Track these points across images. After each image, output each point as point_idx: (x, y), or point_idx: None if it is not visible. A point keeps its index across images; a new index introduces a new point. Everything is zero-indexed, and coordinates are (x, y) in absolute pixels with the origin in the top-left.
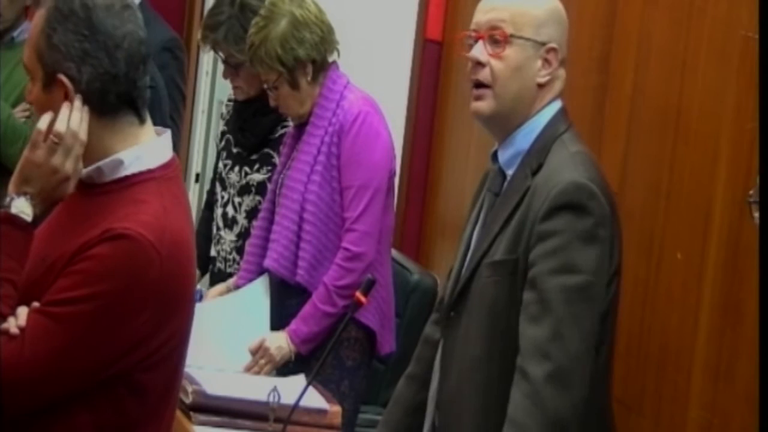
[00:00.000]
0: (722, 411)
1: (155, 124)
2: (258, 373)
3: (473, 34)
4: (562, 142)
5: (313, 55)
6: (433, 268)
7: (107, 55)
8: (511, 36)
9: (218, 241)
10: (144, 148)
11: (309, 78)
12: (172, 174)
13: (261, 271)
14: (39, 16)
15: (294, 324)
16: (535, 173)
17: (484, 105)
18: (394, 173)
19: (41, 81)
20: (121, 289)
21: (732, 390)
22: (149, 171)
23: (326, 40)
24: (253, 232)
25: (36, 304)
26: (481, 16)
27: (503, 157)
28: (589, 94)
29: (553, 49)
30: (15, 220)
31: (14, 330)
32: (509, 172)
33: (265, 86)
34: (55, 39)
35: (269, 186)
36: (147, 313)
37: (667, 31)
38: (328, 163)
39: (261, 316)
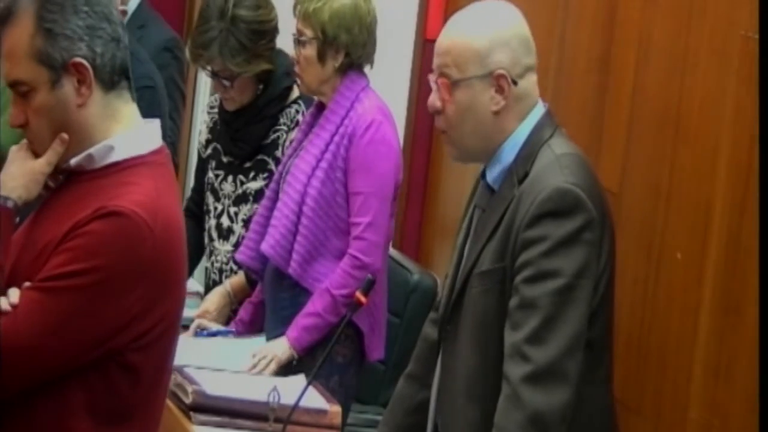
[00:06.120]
0: (722, 411)
1: None
2: (262, 371)
3: (431, 77)
4: (548, 146)
5: (349, 49)
6: (433, 268)
7: (108, 22)
8: (457, 80)
9: (212, 253)
10: (134, 134)
11: (337, 64)
12: (162, 160)
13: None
14: (21, 24)
15: (296, 332)
16: (521, 181)
17: (449, 151)
18: (399, 184)
19: (48, 83)
20: (114, 264)
21: (732, 390)
22: (140, 156)
23: (366, 47)
24: (257, 211)
25: (28, 284)
26: (434, 58)
27: (491, 175)
28: (589, 94)
29: (501, 75)
30: None
31: (6, 307)
32: (497, 187)
33: (294, 37)
34: (58, 29)
35: (275, 175)
36: (139, 291)
37: (667, 31)
38: (334, 162)
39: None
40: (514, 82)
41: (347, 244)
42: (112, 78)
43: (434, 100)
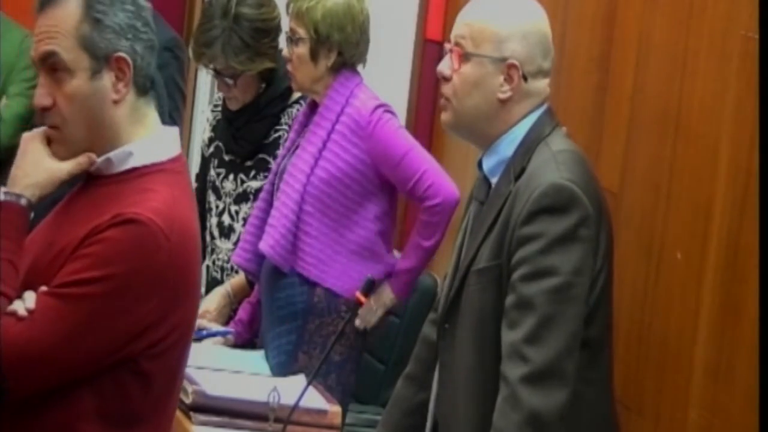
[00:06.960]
0: (722, 411)
1: None
2: (367, 313)
3: (447, 45)
4: (546, 143)
5: (342, 48)
6: (433, 268)
7: (149, 28)
8: (469, 54)
9: (212, 251)
10: (154, 140)
11: (329, 63)
12: (180, 168)
13: (258, 251)
14: (68, 9)
15: (400, 286)
16: (518, 177)
17: (445, 117)
18: None
19: (88, 71)
20: (130, 272)
21: (732, 390)
22: (159, 163)
23: (359, 45)
24: (252, 212)
25: (44, 288)
26: (453, 28)
27: (487, 165)
28: (589, 94)
29: (513, 66)
30: (8, 204)
31: (22, 312)
32: (494, 180)
33: (287, 36)
34: (108, 21)
35: (270, 176)
36: (154, 299)
37: (667, 31)
38: (338, 160)
39: (260, 368)
40: (524, 78)
41: (362, 237)
42: (146, 83)
43: (444, 67)
